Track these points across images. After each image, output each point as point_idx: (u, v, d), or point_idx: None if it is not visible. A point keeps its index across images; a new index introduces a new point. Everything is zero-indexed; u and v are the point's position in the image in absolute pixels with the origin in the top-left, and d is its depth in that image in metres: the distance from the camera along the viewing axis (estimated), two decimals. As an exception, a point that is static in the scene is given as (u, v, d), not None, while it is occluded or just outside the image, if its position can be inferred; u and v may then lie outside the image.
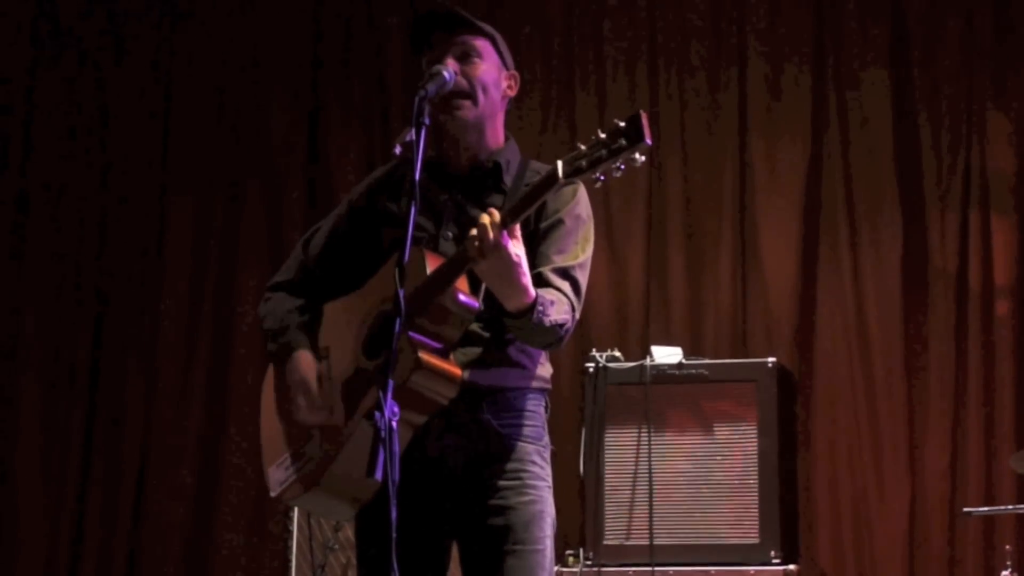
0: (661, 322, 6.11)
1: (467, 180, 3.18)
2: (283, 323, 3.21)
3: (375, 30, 6.57)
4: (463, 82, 3.11)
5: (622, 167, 2.80)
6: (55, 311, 6.56)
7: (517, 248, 2.87)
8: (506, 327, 3.01)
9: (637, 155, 2.78)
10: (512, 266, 2.86)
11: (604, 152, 2.79)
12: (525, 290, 2.91)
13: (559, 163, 2.84)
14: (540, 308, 2.93)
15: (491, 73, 3.17)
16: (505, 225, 2.85)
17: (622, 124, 2.79)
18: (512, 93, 3.24)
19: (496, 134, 3.22)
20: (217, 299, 6.51)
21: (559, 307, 3.00)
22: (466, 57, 3.15)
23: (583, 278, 3.12)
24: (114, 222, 6.61)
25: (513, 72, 3.24)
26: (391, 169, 3.29)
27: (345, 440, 2.95)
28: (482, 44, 3.18)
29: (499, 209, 2.89)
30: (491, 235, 2.83)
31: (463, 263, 2.91)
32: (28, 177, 6.66)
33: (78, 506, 6.43)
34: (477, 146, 3.18)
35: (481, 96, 3.14)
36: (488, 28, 3.21)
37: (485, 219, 2.85)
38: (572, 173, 2.83)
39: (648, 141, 2.76)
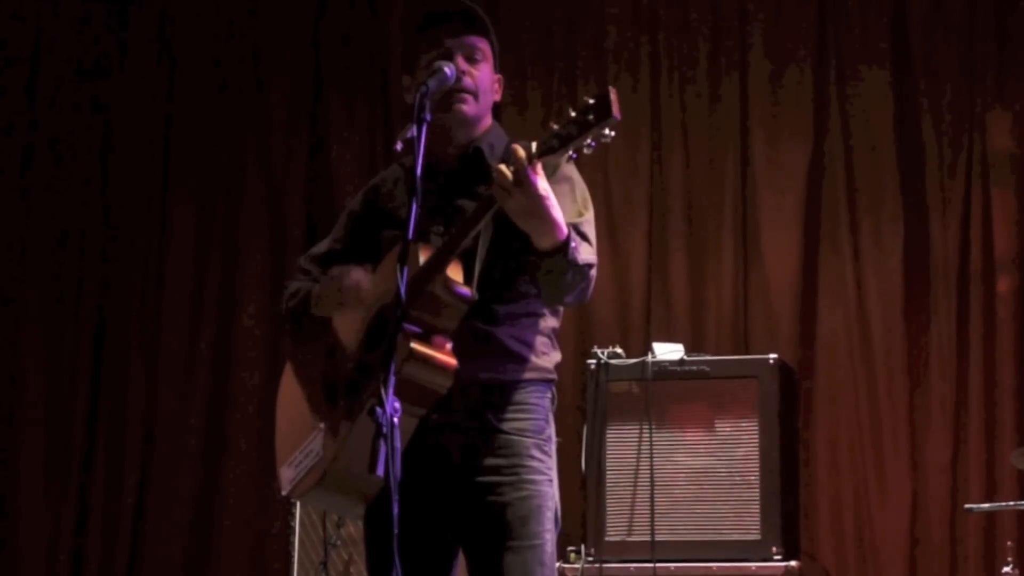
0: (663, 319, 6.11)
1: (452, 171, 3.20)
2: (303, 288, 3.26)
3: (377, 27, 6.57)
4: (470, 82, 3.15)
5: (592, 143, 2.81)
6: (56, 314, 6.56)
7: (543, 183, 2.88)
8: (537, 272, 2.99)
9: (607, 131, 2.79)
10: (542, 199, 2.87)
11: (574, 129, 2.82)
12: (558, 224, 2.91)
13: (532, 144, 2.86)
14: (573, 244, 2.94)
15: (489, 76, 3.22)
16: (529, 161, 2.85)
17: (591, 101, 2.81)
18: (498, 97, 3.28)
19: (483, 129, 3.25)
20: (219, 298, 6.51)
21: (586, 248, 3.02)
22: (472, 59, 3.18)
23: (592, 233, 3.12)
24: (116, 221, 6.62)
25: (499, 76, 3.28)
26: (386, 172, 3.34)
27: (347, 435, 2.96)
28: (485, 47, 3.22)
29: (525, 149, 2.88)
30: (510, 174, 2.84)
31: (488, 207, 2.90)
32: (32, 172, 6.67)
33: (80, 498, 6.44)
34: (466, 140, 3.21)
35: (482, 97, 3.19)
36: (492, 32, 3.24)
37: (502, 167, 2.85)
38: (544, 153, 2.85)
39: (617, 116, 2.77)
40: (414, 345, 2.89)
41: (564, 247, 2.92)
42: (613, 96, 2.78)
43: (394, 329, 2.69)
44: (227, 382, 6.43)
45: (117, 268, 6.59)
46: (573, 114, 2.82)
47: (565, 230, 2.93)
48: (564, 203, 3.08)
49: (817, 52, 6.13)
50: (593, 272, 3.04)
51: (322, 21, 6.65)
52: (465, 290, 2.96)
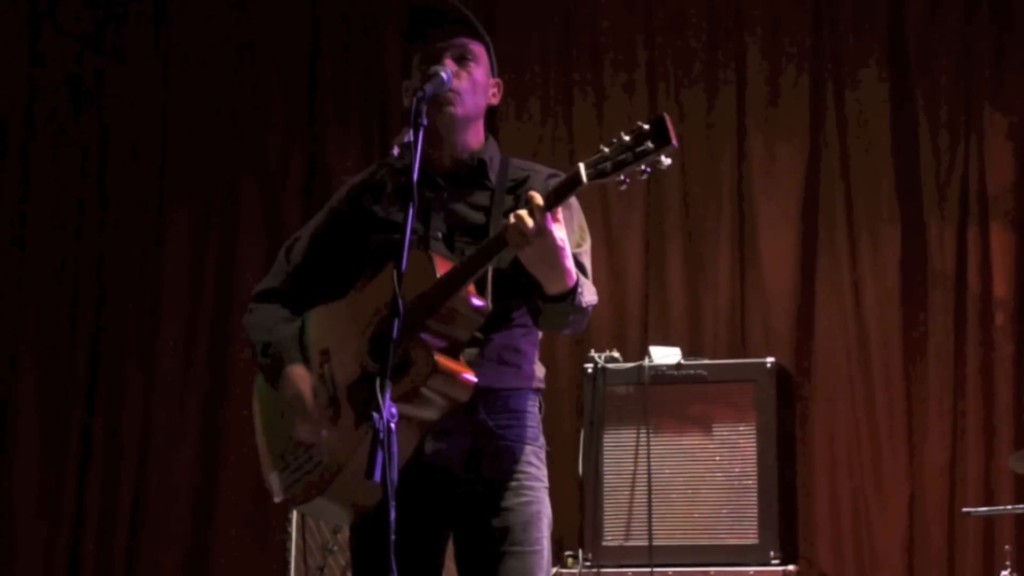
0: (660, 323, 6.10)
1: (451, 179, 3.18)
2: (271, 336, 3.18)
3: (373, 31, 6.56)
4: (457, 83, 3.11)
5: (647, 170, 2.78)
6: (53, 321, 6.55)
7: (560, 231, 2.85)
8: (539, 312, 2.99)
9: (663, 158, 2.76)
10: (558, 250, 2.85)
11: (629, 155, 2.77)
12: (569, 273, 2.90)
13: (581, 165, 2.82)
14: (580, 290, 2.93)
15: (482, 78, 3.18)
16: (549, 208, 2.82)
17: (646, 126, 2.77)
18: (495, 101, 3.25)
19: (478, 135, 3.22)
20: (216, 303, 6.50)
21: (589, 289, 3.01)
22: (463, 60, 3.15)
23: (589, 264, 3.12)
24: (112, 227, 6.60)
25: (498, 80, 3.25)
26: (372, 172, 3.29)
27: (357, 445, 2.93)
28: (478, 49, 3.19)
29: (539, 194, 2.85)
30: (531, 222, 2.81)
31: (499, 248, 2.88)
32: (27, 180, 6.66)
33: (77, 506, 6.42)
34: (460, 145, 3.18)
35: (470, 97, 3.14)
36: (485, 35, 3.22)
37: (522, 214, 2.82)
38: (596, 176, 2.81)
39: (675, 143, 2.74)
40: (439, 359, 2.88)
41: (572, 293, 2.91)
42: (668, 121, 2.75)
43: (406, 339, 2.66)
44: (223, 388, 6.41)
45: (113, 276, 6.57)
46: (626, 138, 2.78)
47: (575, 277, 2.91)
48: (565, 233, 3.08)
49: (813, 55, 6.12)
50: (591, 310, 3.03)
51: (319, 22, 6.64)
52: (482, 302, 2.95)
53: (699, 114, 6.21)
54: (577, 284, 2.92)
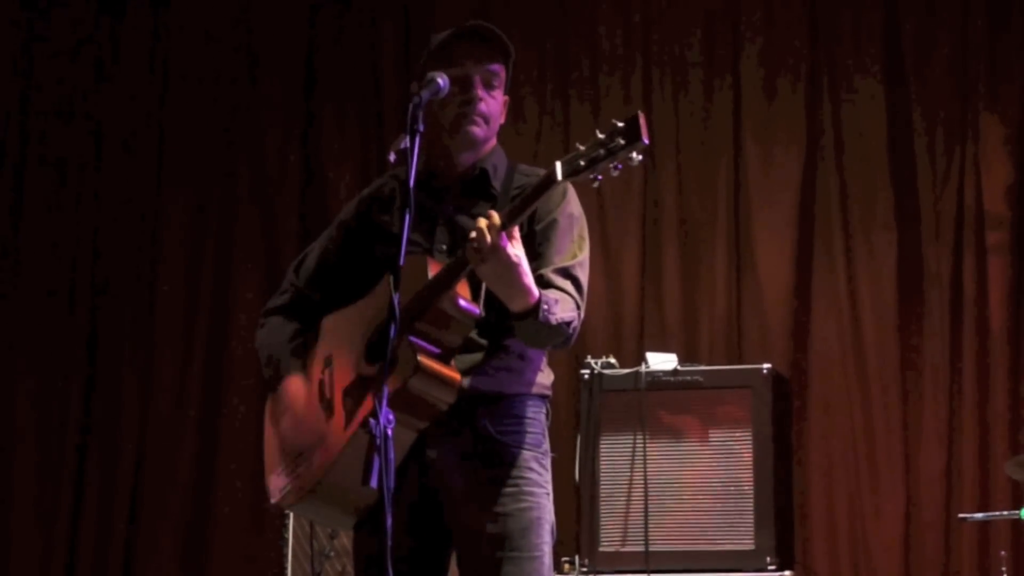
0: (656, 328, 6.11)
1: (456, 190, 3.19)
2: (277, 350, 3.23)
3: (370, 38, 6.57)
4: (484, 108, 3.15)
5: (619, 167, 2.81)
6: (48, 326, 6.54)
7: (516, 249, 2.88)
8: (513, 329, 3.00)
9: (634, 155, 2.79)
10: (512, 268, 2.87)
11: (602, 152, 2.80)
12: (528, 290, 2.92)
13: (557, 164, 2.85)
14: (545, 307, 2.94)
15: (501, 101, 3.22)
16: (503, 228, 2.86)
17: (620, 124, 2.80)
18: (503, 119, 3.27)
19: (487, 150, 3.24)
20: (212, 310, 6.49)
21: (564, 305, 3.01)
22: (490, 86, 3.17)
23: (584, 276, 3.12)
24: (108, 234, 6.59)
25: (507, 97, 3.27)
26: (380, 185, 3.32)
27: (342, 447, 2.95)
28: (502, 72, 3.20)
29: (497, 212, 2.89)
30: (488, 239, 2.84)
31: (462, 267, 2.92)
32: (24, 185, 6.66)
33: (73, 517, 6.41)
34: (467, 161, 3.20)
35: (493, 123, 3.19)
36: (512, 54, 3.22)
37: (483, 223, 2.86)
38: (571, 174, 2.84)
39: (646, 140, 2.77)
40: (421, 359, 2.89)
41: (535, 311, 2.93)
42: (642, 120, 2.78)
43: (396, 342, 2.68)
44: (219, 397, 6.41)
45: (109, 282, 6.56)
46: (601, 136, 2.81)
47: (535, 295, 2.93)
48: (563, 242, 3.11)
49: (810, 63, 6.13)
50: (573, 326, 3.03)
51: (316, 29, 6.64)
52: (473, 306, 2.97)
53: (695, 121, 6.22)
54: (540, 302, 2.93)
